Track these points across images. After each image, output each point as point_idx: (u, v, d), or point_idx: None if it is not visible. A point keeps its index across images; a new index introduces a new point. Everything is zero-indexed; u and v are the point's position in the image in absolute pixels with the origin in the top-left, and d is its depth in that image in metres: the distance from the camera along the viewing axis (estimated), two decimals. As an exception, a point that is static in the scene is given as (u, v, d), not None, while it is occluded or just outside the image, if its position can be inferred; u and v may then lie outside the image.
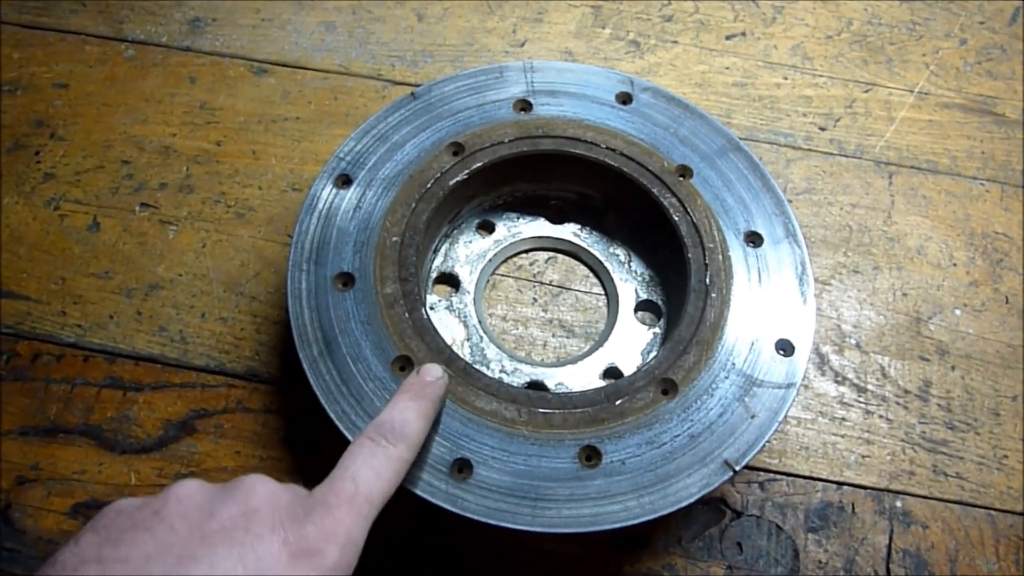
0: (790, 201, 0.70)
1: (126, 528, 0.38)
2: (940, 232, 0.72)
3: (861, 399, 0.63)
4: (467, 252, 0.66)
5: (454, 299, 0.64)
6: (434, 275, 0.65)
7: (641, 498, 0.50)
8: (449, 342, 0.60)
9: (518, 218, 0.68)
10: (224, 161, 0.72)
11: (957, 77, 0.81)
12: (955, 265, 0.70)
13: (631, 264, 0.66)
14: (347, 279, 0.57)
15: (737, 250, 0.59)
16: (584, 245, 0.67)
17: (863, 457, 0.61)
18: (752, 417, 0.53)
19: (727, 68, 0.80)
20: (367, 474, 0.43)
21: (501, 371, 0.61)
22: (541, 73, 0.66)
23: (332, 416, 0.52)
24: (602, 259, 0.66)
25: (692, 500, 0.50)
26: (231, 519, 0.38)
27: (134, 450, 0.59)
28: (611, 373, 0.61)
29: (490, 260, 0.66)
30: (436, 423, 0.51)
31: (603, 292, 0.66)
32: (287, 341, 0.60)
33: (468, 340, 0.62)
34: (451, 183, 0.61)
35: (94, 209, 0.69)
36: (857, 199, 0.73)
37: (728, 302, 0.57)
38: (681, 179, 0.62)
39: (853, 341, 0.66)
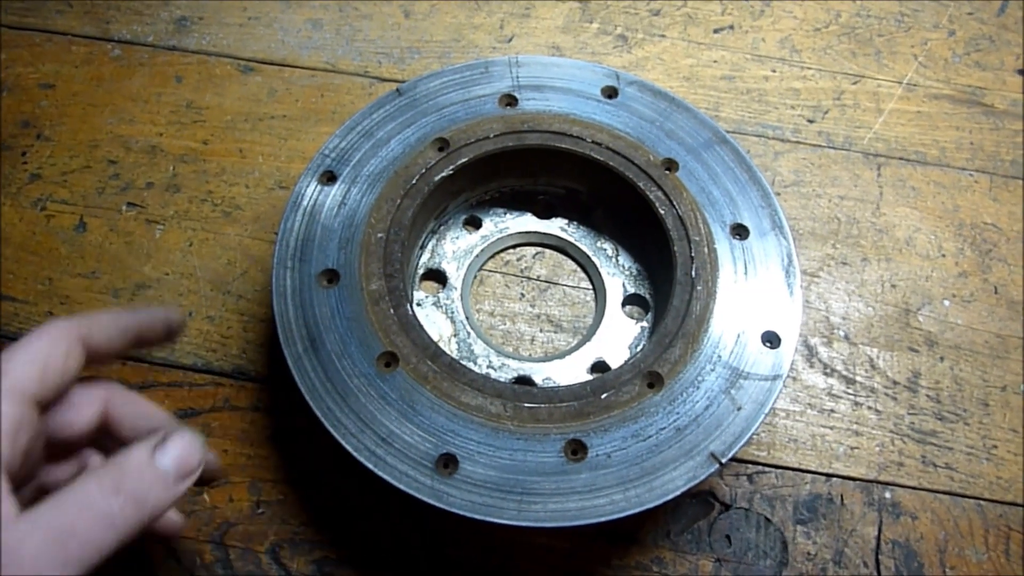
0: (778, 194, 0.70)
1: None
2: (929, 223, 0.71)
3: (850, 391, 0.63)
4: (454, 248, 0.66)
5: (441, 295, 0.64)
6: (421, 271, 0.65)
7: (627, 491, 0.50)
8: (436, 338, 0.60)
9: (505, 213, 0.68)
10: (211, 160, 0.72)
11: (946, 68, 0.81)
12: (944, 256, 0.70)
13: (618, 258, 0.66)
14: (332, 276, 0.57)
15: (723, 243, 0.59)
16: (571, 240, 0.67)
17: (852, 449, 0.61)
18: (738, 409, 0.53)
19: (715, 61, 0.80)
20: None
21: (489, 366, 0.60)
22: (526, 68, 0.66)
23: (317, 413, 0.51)
24: (589, 253, 0.66)
25: (678, 493, 0.50)
26: None
27: (122, 449, 0.59)
28: (599, 367, 0.61)
29: (477, 256, 0.66)
30: None
31: (591, 286, 0.66)
32: (274, 339, 0.60)
33: (455, 336, 0.62)
34: (436, 179, 0.61)
35: (81, 209, 0.69)
36: (845, 191, 0.73)
37: (714, 295, 0.57)
38: (667, 172, 0.62)
39: (842, 333, 0.66)
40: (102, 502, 0.36)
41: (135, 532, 0.36)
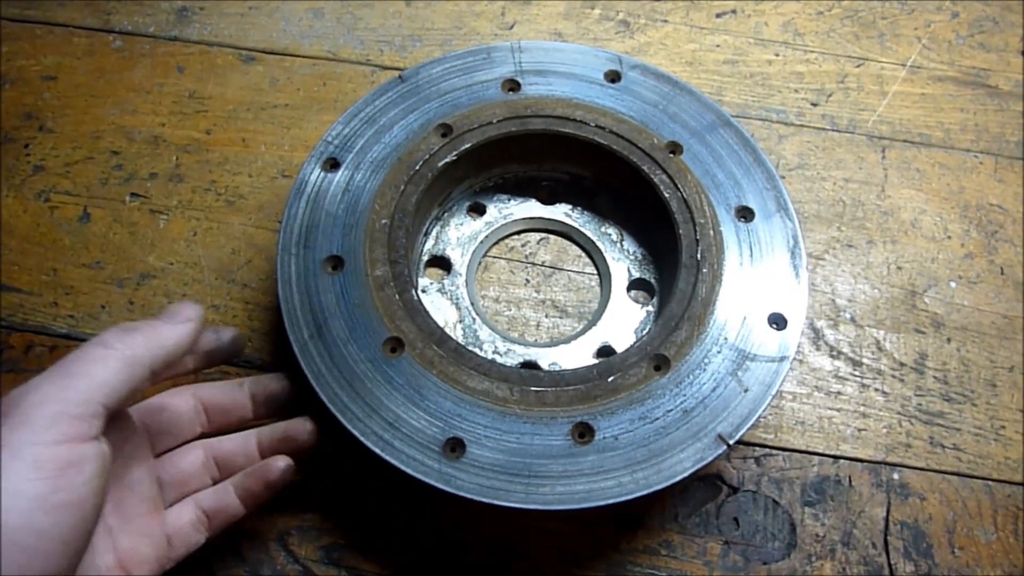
0: (783, 177, 0.70)
1: None
2: (934, 205, 0.71)
3: (856, 373, 0.63)
4: (458, 234, 0.66)
5: (446, 282, 0.64)
6: (425, 258, 0.65)
7: (635, 473, 0.50)
8: (442, 324, 0.60)
9: (509, 199, 0.68)
10: (214, 149, 0.71)
11: (949, 50, 0.80)
12: (950, 238, 0.70)
13: (623, 243, 0.66)
14: (336, 262, 0.56)
15: (728, 225, 0.59)
16: (576, 225, 0.67)
17: (859, 430, 0.61)
18: (745, 391, 0.53)
19: (718, 46, 0.80)
20: None
21: (494, 352, 0.60)
22: (529, 53, 0.66)
23: (324, 398, 0.51)
24: (594, 239, 0.66)
25: (686, 475, 0.50)
26: None
27: (129, 439, 0.59)
28: (604, 352, 0.61)
29: (481, 242, 0.66)
30: None
31: (595, 272, 0.66)
32: (279, 327, 0.60)
33: (461, 322, 0.62)
34: (440, 164, 0.61)
35: (84, 200, 0.69)
36: (850, 174, 0.72)
37: (720, 277, 0.57)
38: (671, 155, 0.61)
39: (848, 315, 0.66)
40: (97, 339, 0.42)
41: (146, 362, 0.42)
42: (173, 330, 0.45)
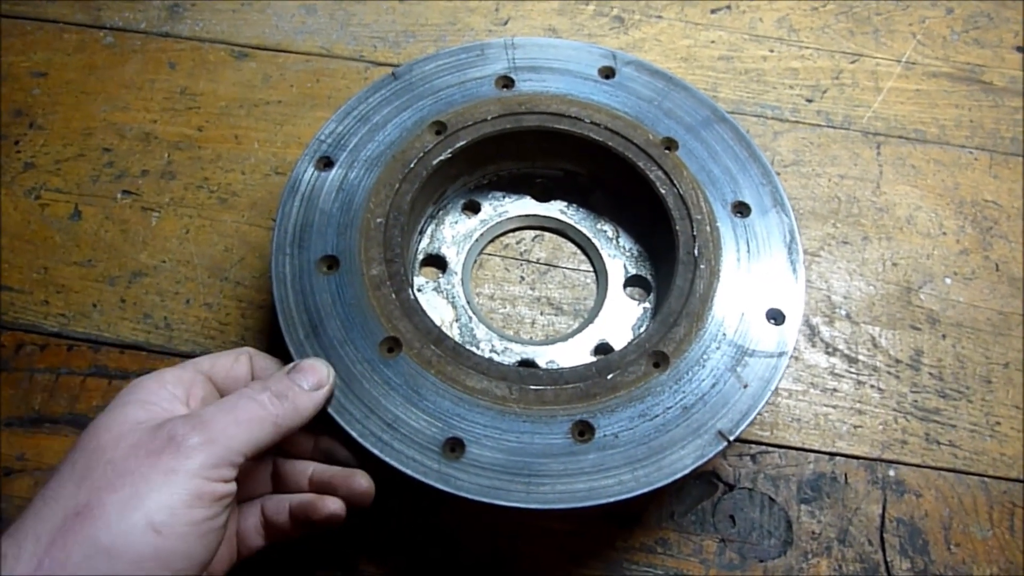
0: (778, 173, 0.70)
1: None
2: (929, 201, 0.71)
3: (852, 369, 0.63)
4: (453, 233, 0.65)
5: (441, 280, 0.63)
6: (421, 257, 0.64)
7: (635, 471, 0.49)
8: (438, 323, 0.59)
9: (504, 197, 0.67)
10: (206, 146, 0.71)
11: (944, 46, 0.80)
12: (945, 234, 0.70)
13: (619, 240, 0.66)
14: (331, 262, 0.56)
15: (725, 221, 0.59)
16: (571, 222, 0.66)
17: (855, 427, 0.61)
18: (744, 387, 0.52)
19: (712, 42, 0.79)
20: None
21: (491, 350, 0.60)
22: (523, 49, 0.66)
23: (320, 398, 0.51)
24: (589, 235, 0.66)
25: (687, 471, 0.49)
26: None
27: (122, 439, 0.58)
28: (602, 349, 0.61)
29: (476, 240, 0.65)
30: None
31: (591, 268, 0.66)
32: (273, 325, 0.60)
33: (457, 321, 0.61)
34: (434, 162, 0.60)
35: (75, 198, 0.68)
36: (845, 170, 0.72)
37: (717, 273, 0.57)
38: (667, 151, 0.61)
39: (843, 312, 0.66)
40: (255, 396, 0.46)
41: (284, 428, 0.46)
42: (311, 400, 0.48)
